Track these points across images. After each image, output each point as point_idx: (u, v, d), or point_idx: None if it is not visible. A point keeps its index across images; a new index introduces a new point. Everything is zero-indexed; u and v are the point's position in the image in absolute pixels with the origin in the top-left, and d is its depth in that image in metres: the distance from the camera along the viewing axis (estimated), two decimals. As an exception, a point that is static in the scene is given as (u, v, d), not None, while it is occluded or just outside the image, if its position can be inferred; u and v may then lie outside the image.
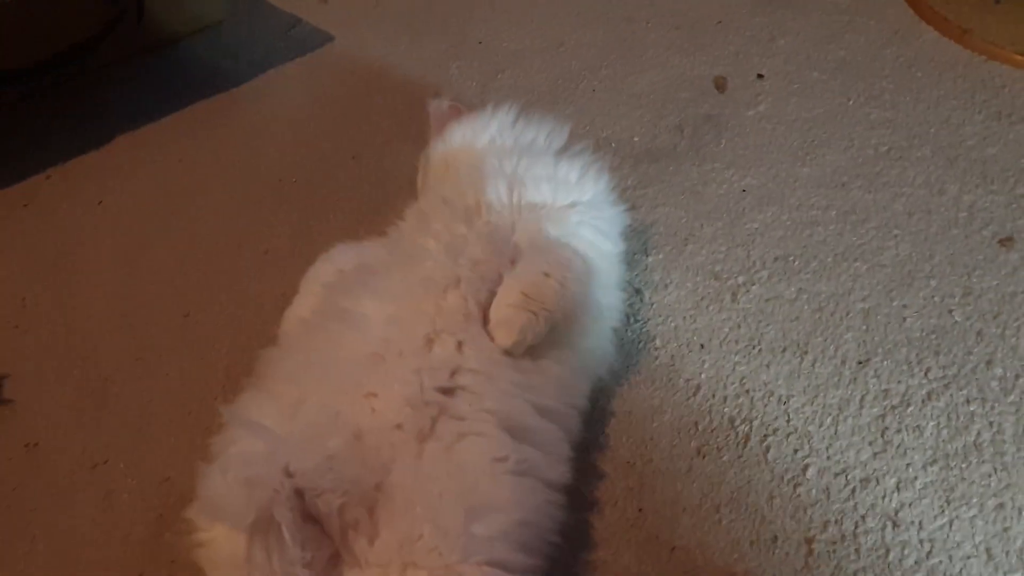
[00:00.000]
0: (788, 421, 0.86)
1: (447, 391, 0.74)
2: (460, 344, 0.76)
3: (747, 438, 0.85)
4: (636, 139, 1.22)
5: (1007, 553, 0.74)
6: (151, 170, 1.26)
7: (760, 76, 1.32)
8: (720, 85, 1.31)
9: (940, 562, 0.74)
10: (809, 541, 0.77)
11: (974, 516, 0.77)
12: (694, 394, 0.90)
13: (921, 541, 0.76)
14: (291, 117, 1.34)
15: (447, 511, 0.68)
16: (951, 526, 0.77)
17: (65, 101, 1.38)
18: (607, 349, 0.88)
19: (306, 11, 1.55)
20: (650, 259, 1.05)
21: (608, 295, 0.89)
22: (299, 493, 0.68)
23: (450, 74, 1.38)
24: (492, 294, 0.80)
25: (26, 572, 0.83)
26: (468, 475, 0.71)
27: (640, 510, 0.81)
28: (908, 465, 0.81)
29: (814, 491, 0.80)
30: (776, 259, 1.03)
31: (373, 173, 1.21)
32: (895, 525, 0.77)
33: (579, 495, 0.80)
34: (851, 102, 1.25)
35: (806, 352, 0.93)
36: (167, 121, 1.34)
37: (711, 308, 0.98)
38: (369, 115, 1.30)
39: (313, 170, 1.23)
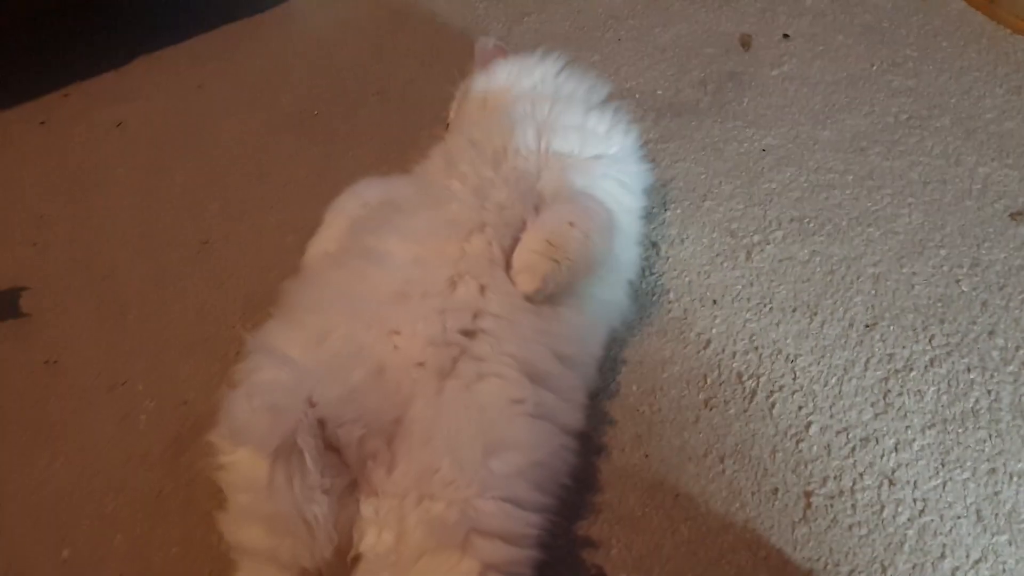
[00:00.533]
0: (794, 379, 0.89)
1: (469, 333, 0.76)
2: (483, 288, 0.78)
3: (754, 393, 0.88)
4: (659, 92, 1.22)
5: (996, 516, 0.78)
6: (171, 94, 1.25)
7: (786, 36, 1.31)
8: (745, 43, 1.31)
9: (932, 520, 0.78)
10: (808, 495, 0.80)
11: (967, 479, 0.80)
12: (704, 348, 0.92)
13: (915, 500, 0.79)
14: (315, 49, 1.33)
15: (466, 447, 0.70)
16: (944, 487, 0.80)
17: (86, 19, 1.36)
18: (623, 301, 0.90)
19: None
20: (668, 214, 1.06)
21: (627, 249, 0.90)
22: (321, 422, 0.70)
23: (476, 14, 1.37)
24: (516, 240, 0.81)
25: (47, 484, 0.85)
26: (487, 414, 0.73)
27: (646, 456, 0.83)
28: (907, 427, 0.84)
29: (815, 447, 0.83)
30: (792, 220, 1.04)
31: (396, 110, 1.20)
32: (891, 483, 0.80)
33: (587, 439, 0.83)
34: (874, 68, 1.25)
35: (815, 313, 0.95)
36: (188, 44, 1.33)
37: (725, 265, 1.00)
38: (394, 52, 1.29)
39: (336, 103, 1.22)
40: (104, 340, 0.97)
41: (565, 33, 1.33)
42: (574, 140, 0.89)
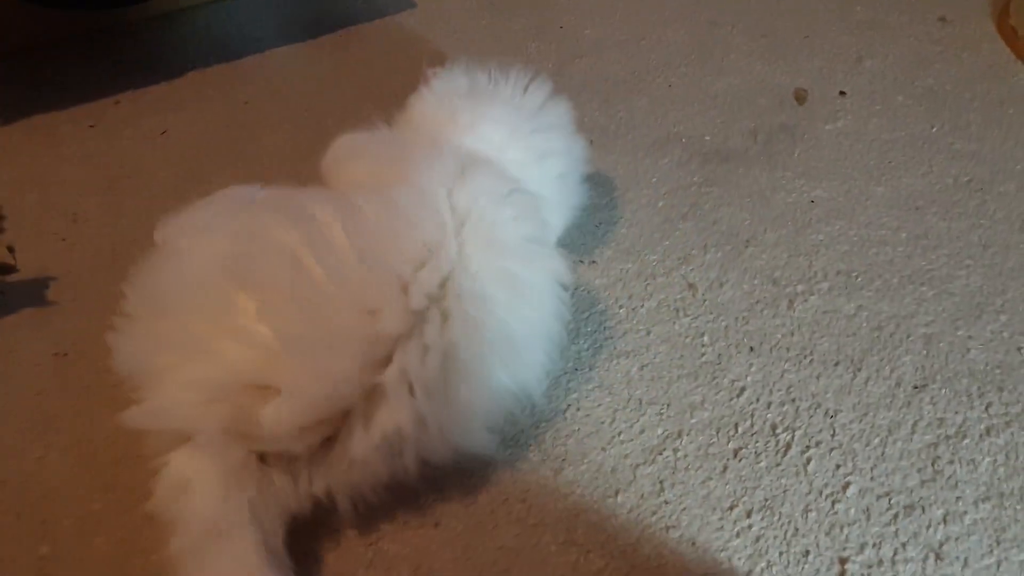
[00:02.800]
0: (833, 435, 0.82)
1: None
2: None
3: (788, 447, 0.81)
4: (707, 138, 1.19)
5: (1057, 604, 0.69)
6: (217, 107, 1.26)
7: (842, 93, 1.28)
8: (800, 97, 1.27)
9: (982, 603, 0.69)
10: (843, 561, 0.72)
11: (1024, 561, 0.72)
12: (738, 395, 0.86)
13: (964, 578, 0.71)
14: (361, 76, 1.33)
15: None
16: (999, 568, 0.72)
17: (142, 34, 1.40)
18: None
19: (390, -24, 1.56)
20: (708, 256, 1.01)
21: None
22: None
23: (527, 53, 1.36)
24: None
25: (35, 477, 0.82)
26: None
27: (666, 503, 0.77)
28: (958, 498, 0.76)
29: (853, 510, 0.76)
30: (839, 273, 0.99)
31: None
32: (938, 558, 0.72)
33: (606, 477, 0.77)
34: (935, 129, 1.21)
35: (859, 369, 0.88)
36: (239, 63, 1.35)
37: (766, 312, 0.94)
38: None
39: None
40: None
41: (615, 75, 1.32)
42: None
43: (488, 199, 0.77)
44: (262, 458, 0.70)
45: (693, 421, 0.84)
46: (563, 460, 0.80)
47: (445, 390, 0.70)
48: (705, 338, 0.92)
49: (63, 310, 0.98)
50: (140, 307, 0.74)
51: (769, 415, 0.84)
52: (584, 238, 1.03)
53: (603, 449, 0.81)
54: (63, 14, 1.33)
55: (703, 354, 0.90)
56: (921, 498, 0.77)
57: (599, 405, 0.85)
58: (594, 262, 1.00)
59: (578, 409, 0.85)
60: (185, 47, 1.38)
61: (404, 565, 0.72)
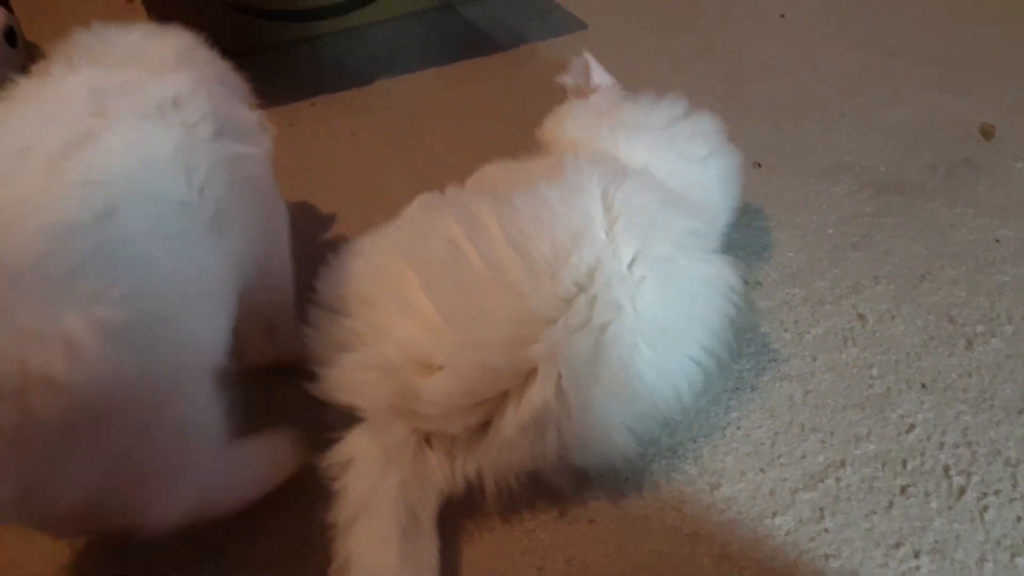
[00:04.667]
0: (1015, 486, 0.78)
1: None
2: None
3: (962, 491, 0.78)
4: (882, 168, 1.16)
5: None
6: (401, 112, 1.35)
7: (1035, 131, 1.21)
8: (987, 132, 1.22)
9: None
10: (1019, 615, 0.69)
11: None
12: (907, 432, 0.83)
13: None
14: (531, 91, 1.38)
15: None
16: None
17: (339, 45, 1.51)
18: None
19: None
20: (879, 287, 0.98)
21: None
22: None
23: (696, 75, 1.37)
24: None
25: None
26: None
27: (826, 531, 0.75)
28: None
29: (1034, 565, 0.72)
30: (1025, 317, 0.94)
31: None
32: None
33: (764, 499, 0.77)
34: None
35: (1046, 419, 0.83)
36: (424, 74, 1.44)
37: (940, 350, 0.91)
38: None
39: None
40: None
41: (785, 102, 1.31)
42: None
43: (644, 198, 0.80)
44: (426, 439, 0.75)
45: (858, 452, 0.82)
46: (720, 476, 0.80)
47: (590, 373, 0.72)
48: (874, 370, 0.89)
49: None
50: (328, 295, 0.81)
51: (942, 456, 0.81)
52: (750, 259, 1.02)
53: (762, 470, 0.80)
54: (270, 24, 1.46)
55: (871, 386, 0.88)
56: (1112, 561, 0.71)
57: (759, 426, 0.84)
58: (759, 283, 0.99)
59: (738, 428, 0.84)
60: (374, 58, 1.48)
61: (558, 555, 0.74)
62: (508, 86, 1.40)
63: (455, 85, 1.41)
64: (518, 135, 1.28)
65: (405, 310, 0.75)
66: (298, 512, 0.76)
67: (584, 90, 1.02)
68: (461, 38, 1.53)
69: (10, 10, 1.44)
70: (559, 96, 1.34)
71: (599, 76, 1.02)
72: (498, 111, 1.34)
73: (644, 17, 1.56)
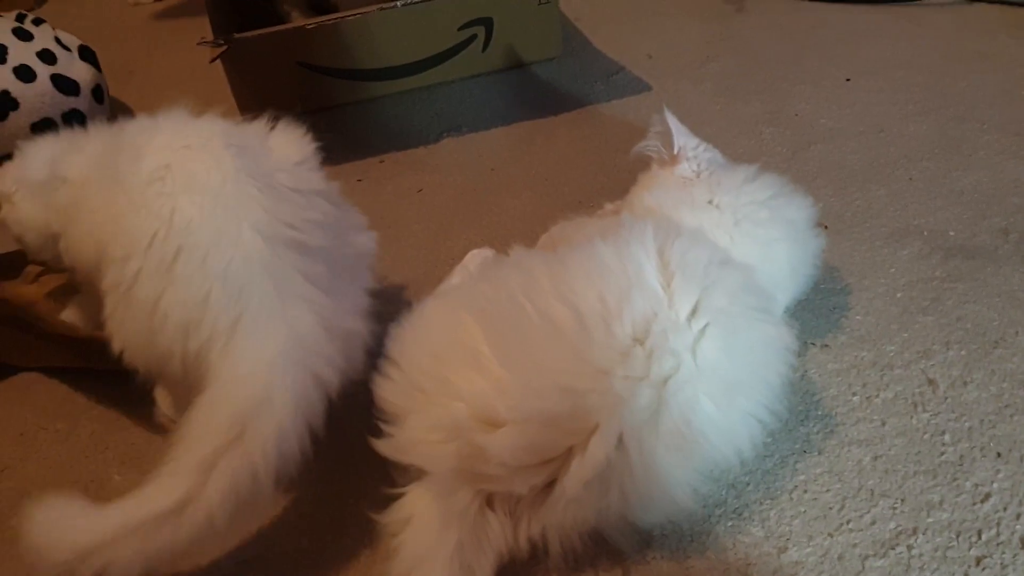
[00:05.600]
0: (1099, 562, 0.75)
1: None
2: None
3: (1042, 565, 0.75)
4: (952, 233, 1.15)
5: None
6: (467, 171, 1.39)
7: (1114, 199, 1.19)
8: (1060, 198, 1.20)
9: None
10: None
11: None
12: (982, 501, 0.81)
13: None
14: (597, 152, 1.42)
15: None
16: None
17: (408, 103, 1.58)
18: None
19: (631, 62, 1.65)
20: (951, 353, 0.97)
21: None
22: None
23: (761, 138, 1.39)
24: None
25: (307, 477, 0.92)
26: None
27: (899, 602, 0.74)
28: None
29: (1120, 647, 0.69)
30: (1107, 388, 0.91)
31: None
32: None
33: (833, 566, 0.75)
34: None
35: None
36: (488, 133, 1.48)
37: (1016, 419, 0.89)
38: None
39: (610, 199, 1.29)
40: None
41: (851, 165, 1.31)
42: None
43: (701, 253, 0.82)
44: (488, 501, 0.76)
45: (930, 520, 0.80)
46: (787, 539, 0.79)
47: (651, 427, 0.73)
48: (946, 437, 0.88)
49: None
50: (399, 354, 0.83)
51: (1018, 527, 0.79)
52: (817, 321, 1.02)
53: (830, 535, 0.79)
54: (342, 83, 1.54)
55: (943, 453, 0.86)
56: None
57: (827, 490, 0.83)
58: (826, 346, 0.99)
59: (805, 491, 0.83)
60: (442, 116, 1.54)
61: (623, 616, 0.74)
62: (573, 146, 1.44)
63: (520, 144, 1.46)
64: (582, 195, 1.31)
65: (471, 363, 0.77)
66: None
67: (668, 158, 1.03)
68: (526, 98, 1.58)
69: (98, 69, 1.54)
70: (623, 159, 1.37)
71: (681, 138, 1.02)
72: (563, 171, 1.38)
73: (709, 80, 1.59)
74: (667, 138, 1.03)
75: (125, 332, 0.78)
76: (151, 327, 0.75)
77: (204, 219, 0.76)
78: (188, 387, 0.76)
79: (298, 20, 1.67)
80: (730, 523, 0.81)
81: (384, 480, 0.81)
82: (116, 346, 0.80)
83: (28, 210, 0.91)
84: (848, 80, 1.55)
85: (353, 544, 0.83)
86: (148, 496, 0.68)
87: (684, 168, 1.01)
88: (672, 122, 1.03)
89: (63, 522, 0.67)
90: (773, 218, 0.94)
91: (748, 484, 0.84)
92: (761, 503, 0.83)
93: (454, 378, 0.77)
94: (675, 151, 1.01)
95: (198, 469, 0.68)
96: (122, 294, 0.76)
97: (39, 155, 0.92)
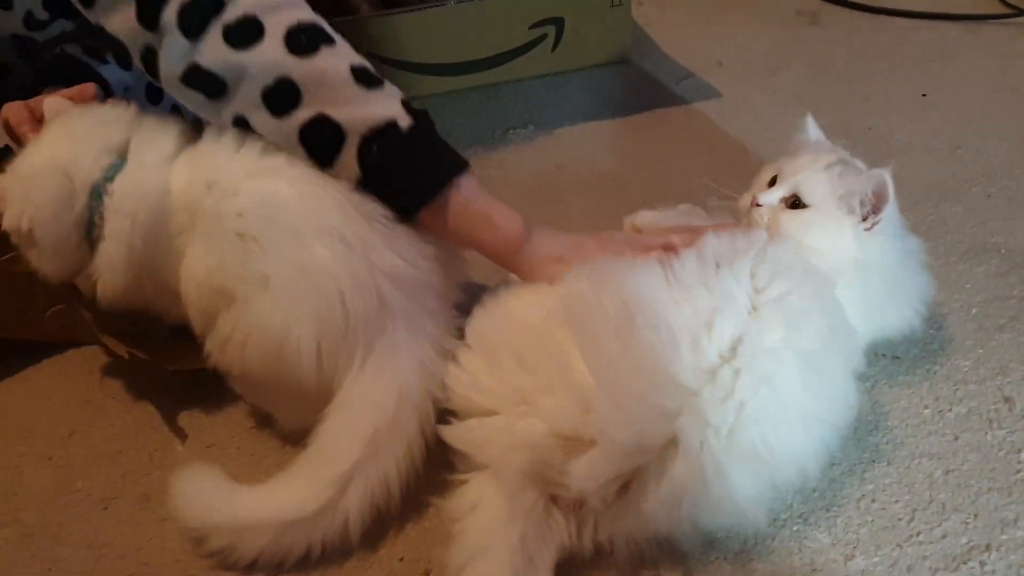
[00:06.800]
0: None
1: None
2: None
3: (1123, 592, 0.73)
4: (1031, 252, 1.12)
5: None
6: (533, 168, 1.40)
7: None
8: None
9: None
10: None
11: None
12: (1060, 521, 0.79)
13: None
14: (663, 155, 1.41)
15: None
16: None
17: (475, 99, 1.59)
18: None
19: (700, 68, 1.65)
20: (1028, 371, 0.95)
21: None
22: None
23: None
24: None
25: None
26: None
27: (971, 619, 0.72)
28: None
29: None
30: None
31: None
32: None
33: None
34: None
35: None
36: (555, 132, 1.49)
37: (1096, 443, 0.86)
38: (742, 174, 1.32)
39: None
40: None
41: (927, 181, 1.29)
42: None
43: (795, 283, 0.79)
44: (553, 498, 0.75)
45: (1004, 537, 0.78)
46: (855, 547, 0.78)
47: (729, 448, 0.71)
48: (1022, 455, 0.85)
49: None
50: (477, 345, 0.83)
51: (1097, 552, 0.76)
52: (889, 332, 1.00)
53: (899, 546, 0.78)
54: (414, 77, 1.56)
55: (1018, 471, 0.84)
56: None
57: (896, 501, 0.82)
58: (897, 357, 0.97)
59: (873, 500, 0.82)
60: (509, 112, 1.55)
61: (683, 613, 0.73)
62: (641, 149, 1.44)
63: (586, 145, 1.46)
64: (649, 197, 1.30)
65: (557, 376, 0.75)
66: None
67: (865, 219, 0.93)
68: (593, 99, 1.59)
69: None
70: (691, 162, 1.37)
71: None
72: (629, 173, 1.38)
73: (779, 89, 1.57)
74: (880, 200, 0.92)
75: (247, 358, 0.81)
76: (281, 355, 0.79)
77: (335, 262, 0.79)
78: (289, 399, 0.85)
79: (368, 13, 1.69)
80: (795, 528, 0.80)
81: (444, 466, 0.81)
82: (231, 370, 0.85)
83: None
84: (924, 95, 1.52)
85: (411, 524, 0.83)
86: (286, 501, 0.76)
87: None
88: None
89: (202, 496, 0.77)
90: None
91: (815, 490, 0.83)
92: (828, 510, 0.81)
93: (536, 390, 0.75)
94: (879, 217, 0.91)
95: (337, 483, 0.76)
96: (252, 325, 0.80)
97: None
